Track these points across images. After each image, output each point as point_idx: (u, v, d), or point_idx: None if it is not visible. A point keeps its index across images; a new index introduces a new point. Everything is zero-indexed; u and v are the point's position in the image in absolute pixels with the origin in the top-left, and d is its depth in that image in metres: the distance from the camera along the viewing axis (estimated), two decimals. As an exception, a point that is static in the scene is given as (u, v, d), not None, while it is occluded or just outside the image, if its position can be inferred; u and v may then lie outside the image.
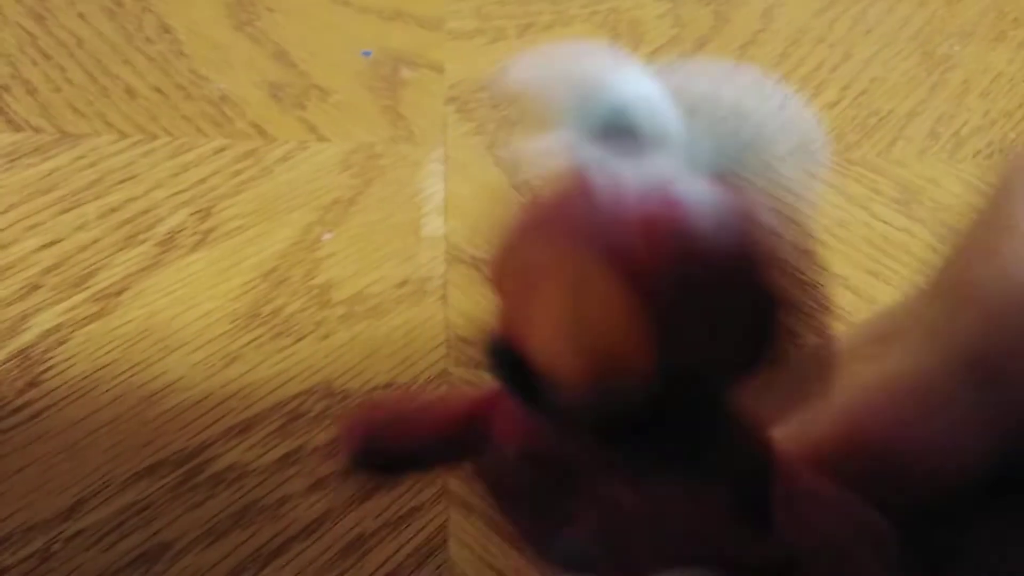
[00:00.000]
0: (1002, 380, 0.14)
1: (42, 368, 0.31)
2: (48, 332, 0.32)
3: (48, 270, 0.35)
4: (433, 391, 0.31)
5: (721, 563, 0.15)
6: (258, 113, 0.43)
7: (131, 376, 0.31)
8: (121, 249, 0.36)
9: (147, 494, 0.28)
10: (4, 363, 0.31)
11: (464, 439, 0.17)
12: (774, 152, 0.15)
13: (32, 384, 0.31)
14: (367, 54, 0.48)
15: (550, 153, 0.15)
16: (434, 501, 0.28)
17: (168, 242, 0.36)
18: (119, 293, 0.34)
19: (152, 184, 0.39)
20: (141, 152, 0.40)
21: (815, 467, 0.15)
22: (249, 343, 0.32)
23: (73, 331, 0.32)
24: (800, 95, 0.15)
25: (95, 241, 0.36)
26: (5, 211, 0.37)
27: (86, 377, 0.31)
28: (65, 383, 0.31)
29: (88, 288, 0.34)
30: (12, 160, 0.39)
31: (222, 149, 0.41)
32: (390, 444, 0.17)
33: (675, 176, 0.14)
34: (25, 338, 0.32)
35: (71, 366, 0.31)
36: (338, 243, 0.37)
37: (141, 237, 0.36)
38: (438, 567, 0.27)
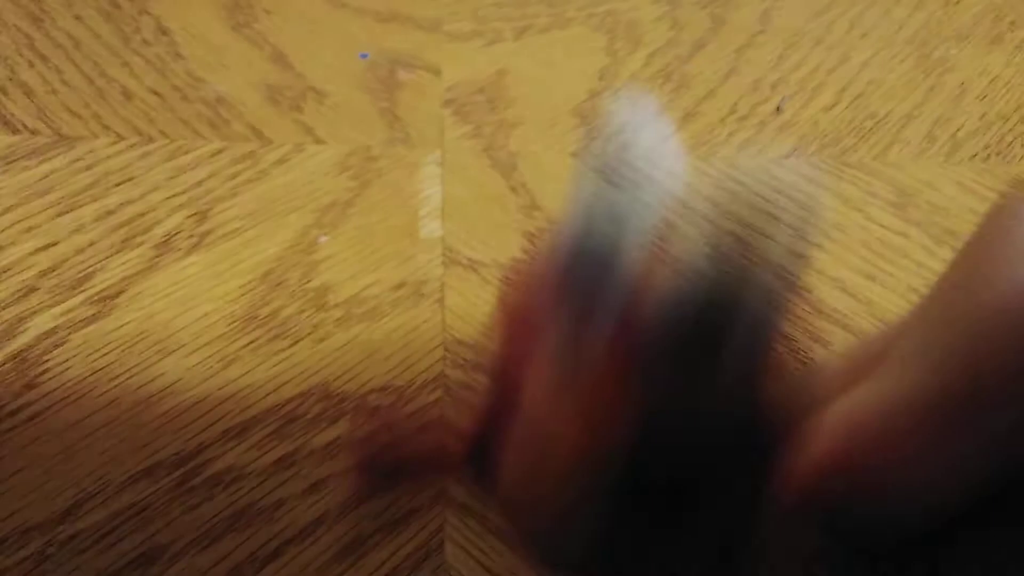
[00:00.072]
0: (992, 402, 0.14)
1: (39, 370, 0.31)
2: (45, 334, 0.32)
3: (45, 272, 0.35)
4: (431, 392, 0.31)
5: None
6: (255, 115, 0.43)
7: (128, 378, 0.31)
8: (118, 252, 0.36)
9: (144, 496, 0.28)
10: (1, 365, 0.31)
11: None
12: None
13: (29, 386, 0.31)
14: (364, 56, 0.48)
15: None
16: (431, 504, 0.28)
17: (165, 244, 0.36)
18: (116, 296, 0.34)
19: (149, 186, 0.39)
20: (138, 154, 0.40)
21: (810, 487, 0.15)
22: (246, 345, 0.33)
23: (70, 333, 0.32)
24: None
25: (92, 243, 0.36)
26: (2, 213, 0.37)
27: (83, 379, 0.31)
28: (62, 385, 0.31)
29: (85, 290, 0.34)
30: (9, 162, 0.39)
31: (219, 151, 0.41)
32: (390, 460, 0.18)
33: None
34: (22, 340, 0.32)
35: (68, 368, 0.31)
36: (335, 245, 0.37)
37: (138, 240, 0.36)
38: (435, 570, 0.26)
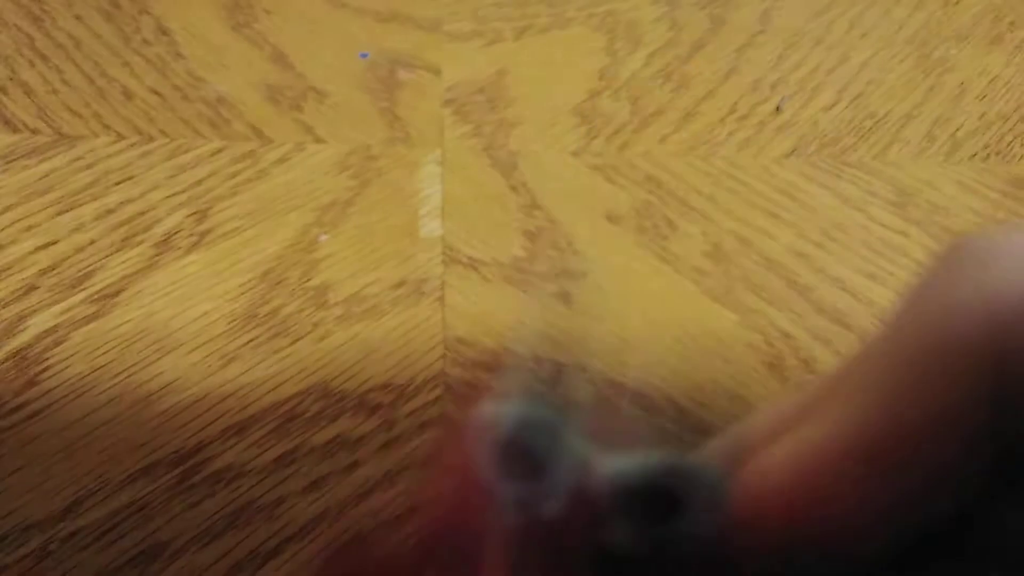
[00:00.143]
0: (913, 445, 0.14)
1: (39, 368, 0.31)
2: (45, 333, 0.32)
3: (45, 271, 0.35)
4: (430, 394, 0.31)
5: None
6: (255, 115, 0.43)
7: (128, 376, 0.31)
8: (118, 250, 0.36)
9: (144, 494, 0.28)
10: (1, 363, 0.31)
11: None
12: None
13: (29, 384, 0.31)
14: (364, 56, 0.48)
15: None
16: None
17: (165, 243, 0.36)
18: (116, 294, 0.34)
19: (149, 185, 0.39)
20: (138, 154, 0.40)
21: (760, 528, 0.15)
22: (246, 344, 0.33)
23: (70, 332, 0.32)
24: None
25: (92, 242, 0.36)
26: (2, 212, 0.37)
27: (83, 377, 0.31)
28: (62, 383, 0.31)
29: (85, 289, 0.34)
30: (9, 161, 0.39)
31: (219, 151, 0.41)
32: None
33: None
34: (22, 339, 0.32)
35: (68, 366, 0.31)
36: (335, 244, 0.37)
37: (138, 238, 0.36)
38: (435, 567, 0.27)
